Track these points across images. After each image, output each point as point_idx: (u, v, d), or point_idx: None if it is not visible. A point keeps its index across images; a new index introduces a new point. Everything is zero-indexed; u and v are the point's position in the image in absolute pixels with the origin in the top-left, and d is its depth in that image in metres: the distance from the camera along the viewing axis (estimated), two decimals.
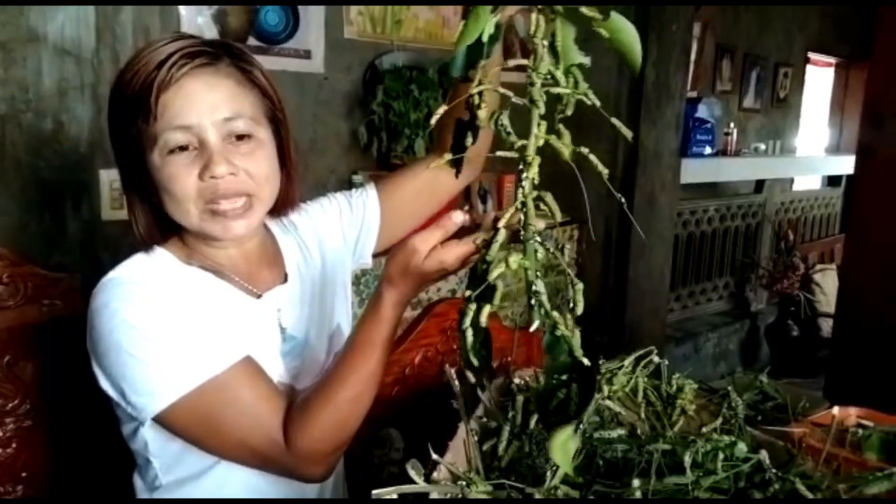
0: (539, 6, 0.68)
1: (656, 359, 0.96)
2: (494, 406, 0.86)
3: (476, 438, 0.78)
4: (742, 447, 0.74)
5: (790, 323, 4.44)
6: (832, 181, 5.60)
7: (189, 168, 0.90)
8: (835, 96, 5.90)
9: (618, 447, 0.76)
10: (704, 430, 0.84)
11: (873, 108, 1.93)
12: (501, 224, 0.73)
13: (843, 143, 5.77)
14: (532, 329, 0.68)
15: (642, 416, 0.88)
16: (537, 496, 0.67)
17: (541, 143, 0.69)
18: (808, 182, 5.62)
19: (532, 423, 0.77)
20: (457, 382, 0.83)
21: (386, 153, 2.37)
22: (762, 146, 4.89)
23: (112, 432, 0.99)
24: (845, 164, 5.05)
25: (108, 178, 1.81)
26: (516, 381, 0.94)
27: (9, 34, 1.65)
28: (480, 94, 0.71)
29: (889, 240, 1.87)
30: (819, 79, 5.74)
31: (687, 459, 0.70)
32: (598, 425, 0.80)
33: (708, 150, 4.06)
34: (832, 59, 5.65)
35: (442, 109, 0.75)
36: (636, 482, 0.67)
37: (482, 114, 0.72)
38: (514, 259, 0.70)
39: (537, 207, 0.71)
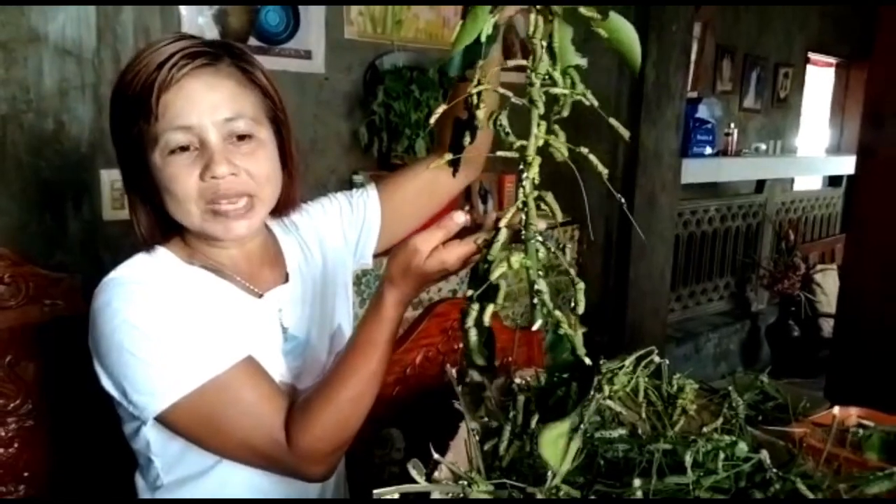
0: (538, 7, 0.68)
1: (657, 359, 0.96)
2: (495, 406, 0.86)
3: (477, 438, 0.78)
4: (743, 447, 0.74)
5: (791, 323, 4.44)
6: (833, 181, 5.60)
7: (190, 168, 0.90)
8: (835, 96, 5.90)
9: (619, 447, 0.76)
10: (705, 429, 0.84)
11: (873, 108, 1.93)
12: (503, 224, 0.73)
13: (844, 144, 5.76)
14: (535, 328, 0.68)
15: (643, 415, 0.88)
16: (539, 496, 0.67)
17: (541, 143, 0.70)
18: (808, 182, 5.62)
19: (533, 422, 0.78)
20: (457, 383, 0.83)
21: (386, 153, 2.37)
22: (763, 146, 4.90)
23: (113, 432, 0.99)
24: (846, 165, 5.05)
25: (109, 178, 1.81)
26: (517, 380, 0.94)
27: (10, 34, 1.65)
28: (479, 93, 0.71)
29: (890, 240, 1.87)
30: (819, 79, 5.74)
31: (688, 459, 0.70)
32: (600, 425, 0.80)
33: (708, 150, 4.06)
34: (832, 60, 5.65)
35: (441, 109, 0.75)
36: (637, 482, 0.67)
37: (480, 114, 0.72)
38: (517, 259, 0.70)
39: (538, 207, 0.71)
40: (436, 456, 0.73)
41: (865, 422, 0.92)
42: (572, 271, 0.72)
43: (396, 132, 2.30)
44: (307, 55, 2.31)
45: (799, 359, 4.24)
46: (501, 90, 0.72)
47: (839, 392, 1.91)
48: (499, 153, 0.74)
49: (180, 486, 0.97)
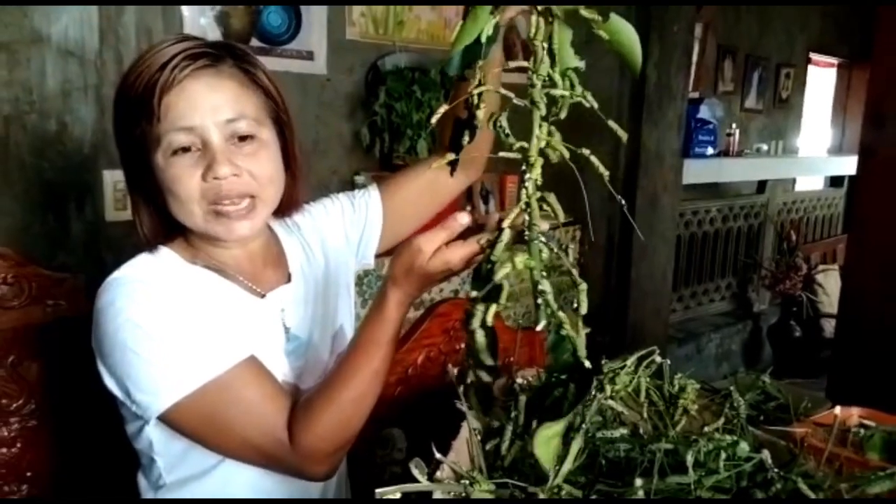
0: (539, 8, 0.69)
1: (658, 359, 0.96)
2: (497, 405, 0.86)
3: (479, 438, 0.78)
4: (744, 447, 0.74)
5: (793, 323, 4.43)
6: (835, 182, 5.60)
7: (192, 169, 0.90)
8: (837, 97, 5.90)
9: (620, 447, 0.76)
10: (707, 429, 0.84)
11: (875, 109, 1.93)
12: (506, 225, 0.73)
13: (846, 144, 5.76)
14: (539, 328, 0.69)
15: (645, 415, 0.88)
16: (540, 496, 0.68)
17: (543, 144, 0.70)
18: (810, 182, 5.61)
19: (535, 422, 0.78)
20: (459, 383, 0.83)
21: (388, 154, 2.37)
22: (764, 147, 4.89)
23: (116, 432, 0.99)
24: (848, 165, 5.04)
25: (112, 179, 1.82)
26: (519, 380, 0.95)
27: (12, 35, 1.66)
28: (480, 93, 0.71)
29: (891, 240, 1.86)
30: (821, 79, 5.73)
31: (689, 459, 0.70)
32: (601, 425, 0.80)
33: (710, 150, 4.06)
34: (834, 60, 5.65)
35: (443, 109, 0.75)
36: (639, 481, 0.67)
37: (480, 114, 0.72)
38: (521, 259, 0.71)
39: (540, 208, 0.71)
40: (438, 455, 0.73)
41: (867, 422, 0.92)
42: (574, 272, 0.73)
43: (398, 133, 2.30)
44: (309, 56, 2.32)
45: (801, 359, 4.23)
46: (503, 91, 0.73)
47: (841, 392, 1.91)
48: (500, 154, 0.74)
49: (182, 485, 0.97)
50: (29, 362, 1.20)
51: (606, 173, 0.70)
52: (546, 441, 0.64)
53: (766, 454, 0.72)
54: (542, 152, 0.70)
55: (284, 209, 1.04)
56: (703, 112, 4.00)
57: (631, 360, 0.94)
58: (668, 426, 0.86)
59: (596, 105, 0.69)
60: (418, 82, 2.31)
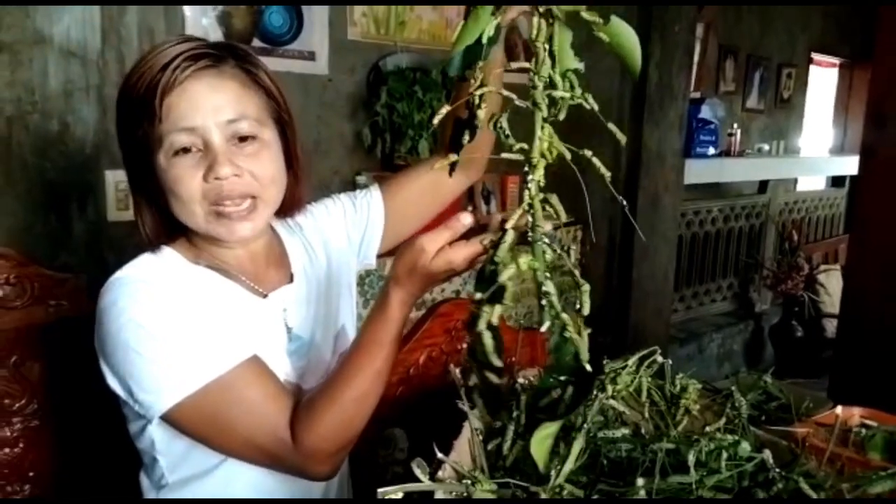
0: (540, 9, 0.69)
1: (660, 359, 0.96)
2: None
3: (480, 438, 0.78)
4: (746, 446, 0.74)
5: (794, 323, 4.43)
6: (836, 182, 5.59)
7: (194, 170, 0.90)
8: (839, 97, 5.89)
9: (622, 446, 0.76)
10: (708, 429, 0.84)
11: (876, 109, 1.92)
12: (509, 225, 0.73)
13: (848, 144, 5.75)
14: (543, 329, 0.69)
15: (646, 415, 0.88)
16: (542, 495, 0.68)
17: (545, 145, 0.70)
18: (812, 182, 5.60)
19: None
20: (461, 383, 0.83)
21: (390, 154, 2.37)
22: (766, 147, 4.89)
23: (118, 432, 1.00)
24: (849, 165, 5.03)
25: (114, 180, 1.82)
26: (520, 380, 0.95)
27: (15, 36, 1.66)
28: (481, 94, 0.71)
29: (892, 240, 1.86)
30: (823, 79, 5.73)
31: (691, 459, 0.70)
32: (603, 425, 0.80)
33: (711, 150, 4.06)
34: (836, 60, 5.64)
35: (445, 109, 0.76)
36: (640, 481, 0.67)
37: (481, 114, 0.72)
38: (524, 260, 0.71)
39: (543, 209, 0.71)
40: (439, 455, 0.73)
41: (868, 422, 0.93)
42: (577, 273, 0.73)
43: (400, 133, 2.30)
44: (311, 56, 2.32)
45: (802, 359, 4.23)
46: (504, 92, 0.73)
47: (842, 392, 1.91)
48: (502, 155, 0.74)
49: (185, 485, 0.97)
50: (31, 362, 1.21)
51: (608, 175, 0.70)
52: (540, 441, 0.64)
53: (767, 454, 0.72)
54: (543, 154, 0.71)
55: (286, 209, 1.04)
56: (705, 112, 4.00)
57: (632, 361, 0.94)
58: (669, 426, 0.87)
59: (596, 107, 0.69)
60: (420, 82, 2.31)
